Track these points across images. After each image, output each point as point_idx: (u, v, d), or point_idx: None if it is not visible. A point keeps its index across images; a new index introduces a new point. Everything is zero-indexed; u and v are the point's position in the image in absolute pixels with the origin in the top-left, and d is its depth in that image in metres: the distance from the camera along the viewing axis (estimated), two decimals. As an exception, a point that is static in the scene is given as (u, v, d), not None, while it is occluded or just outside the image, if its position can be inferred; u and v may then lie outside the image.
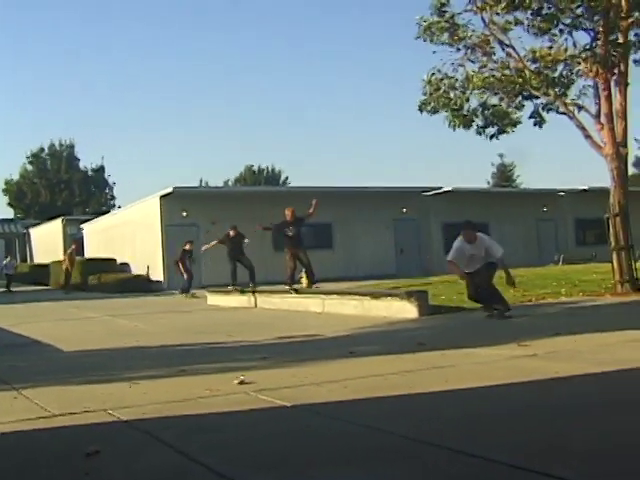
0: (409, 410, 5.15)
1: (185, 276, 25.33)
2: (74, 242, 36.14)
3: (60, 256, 43.51)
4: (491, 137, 16.80)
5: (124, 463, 4.13)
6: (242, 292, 19.63)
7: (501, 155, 73.80)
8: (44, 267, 41.17)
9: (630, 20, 15.11)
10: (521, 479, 3.48)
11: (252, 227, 21.71)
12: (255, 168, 78.76)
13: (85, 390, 6.68)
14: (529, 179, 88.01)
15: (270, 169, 78.90)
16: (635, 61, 15.87)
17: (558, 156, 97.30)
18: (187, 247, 25.87)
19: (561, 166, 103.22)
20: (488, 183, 71.68)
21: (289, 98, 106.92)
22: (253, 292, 19.38)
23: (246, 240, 21.50)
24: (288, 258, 17.89)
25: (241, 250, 21.28)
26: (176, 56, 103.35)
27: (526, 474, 3.46)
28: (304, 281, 20.41)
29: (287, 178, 78.33)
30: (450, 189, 36.38)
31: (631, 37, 15.58)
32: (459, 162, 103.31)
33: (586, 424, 4.36)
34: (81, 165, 71.70)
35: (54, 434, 4.95)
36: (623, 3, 14.96)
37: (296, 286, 17.73)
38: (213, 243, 22.18)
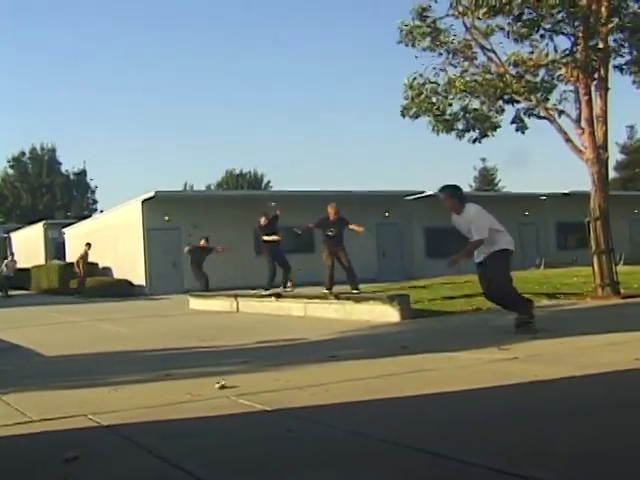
0: (391, 414, 5.15)
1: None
2: (87, 245, 32.88)
3: (41, 260, 43.32)
4: (473, 141, 16.85)
5: (104, 468, 4.11)
6: (278, 297, 16.92)
7: (483, 159, 74.26)
8: (25, 271, 40.90)
9: (610, 26, 15.21)
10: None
11: (234, 231, 21.67)
12: (237, 172, 78.72)
13: (66, 395, 6.65)
14: (511, 183, 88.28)
15: (252, 173, 78.88)
16: (615, 66, 15.99)
17: (540, 160, 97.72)
18: (202, 243, 24.60)
19: (543, 170, 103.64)
20: (470, 187, 71.99)
21: (272, 102, 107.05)
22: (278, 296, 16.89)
23: (278, 212, 19.10)
24: (325, 256, 16.71)
25: (278, 244, 18.94)
26: (159, 60, 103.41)
27: (505, 477, 3.47)
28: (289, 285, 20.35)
29: (269, 182, 78.42)
30: (432, 193, 36.41)
31: (611, 42, 15.68)
32: (441, 166, 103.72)
33: (569, 427, 4.37)
34: (63, 169, 71.72)
35: (33, 440, 4.93)
36: (603, 9, 15.06)
37: (280, 290, 17.54)
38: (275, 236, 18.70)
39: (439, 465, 3.74)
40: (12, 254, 39.90)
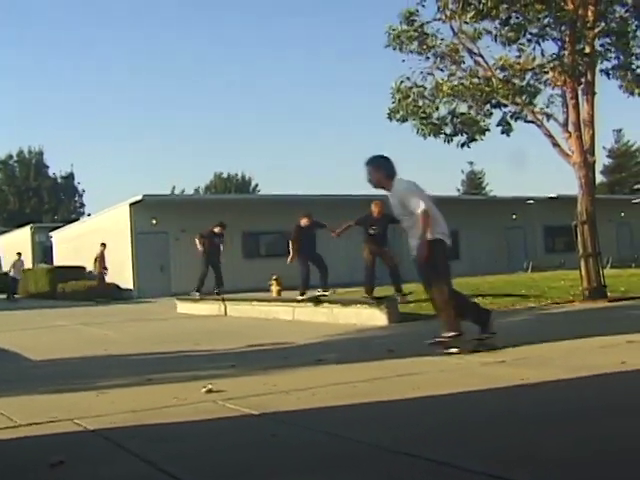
0: (377, 418, 5.15)
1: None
2: (102, 245, 29.93)
3: (29, 264, 43.09)
4: (462, 145, 16.86)
5: (89, 473, 4.09)
6: (317, 303, 15.19)
7: (471, 163, 74.51)
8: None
9: (596, 30, 15.27)
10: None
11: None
12: (225, 175, 78.65)
13: (52, 399, 6.61)
14: (498, 187, 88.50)
15: (240, 176, 78.82)
16: (601, 70, 16.03)
17: (528, 164, 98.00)
18: (217, 230, 21.02)
19: (531, 174, 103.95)
20: (458, 191, 72.23)
21: (259, 104, 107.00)
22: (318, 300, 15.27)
23: (325, 224, 16.97)
24: (365, 255, 15.43)
25: (314, 245, 16.98)
26: (147, 63, 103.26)
27: (492, 481, 3.47)
28: (273, 288, 20.28)
29: (257, 185, 78.38)
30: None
31: (597, 47, 15.74)
32: (429, 170, 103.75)
33: (558, 430, 4.37)
34: (50, 172, 71.48)
35: (19, 444, 4.90)
36: (589, 14, 15.11)
37: (264, 294, 17.38)
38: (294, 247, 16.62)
39: (426, 468, 3.74)
40: (19, 254, 36.10)
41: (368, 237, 15.66)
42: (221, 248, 21.09)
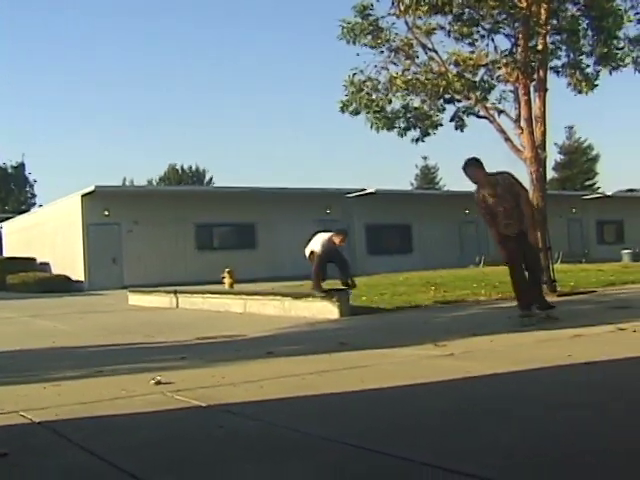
0: (325, 410, 5.17)
1: None
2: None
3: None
4: (416, 141, 16.96)
5: (34, 464, 4.05)
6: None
7: (425, 157, 74.99)
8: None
9: (548, 27, 15.43)
10: (430, 476, 3.50)
11: (177, 228, 21.41)
12: (179, 167, 78.24)
13: (-2, 391, 6.55)
14: (451, 181, 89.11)
15: (194, 168, 78.45)
16: (551, 68, 16.19)
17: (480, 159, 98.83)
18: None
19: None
20: (412, 185, 72.64)
21: (215, 96, 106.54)
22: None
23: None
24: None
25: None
26: (98, 53, 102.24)
27: (436, 471, 3.50)
28: (226, 281, 20.18)
29: (212, 178, 78.11)
30: (373, 191, 36.65)
31: (548, 44, 15.91)
32: (383, 164, 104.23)
33: (503, 422, 4.42)
34: (0, 162, 70.34)
35: (-37, 436, 4.84)
36: (542, 11, 15.27)
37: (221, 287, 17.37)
38: None
39: (368, 459, 3.76)
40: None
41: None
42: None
